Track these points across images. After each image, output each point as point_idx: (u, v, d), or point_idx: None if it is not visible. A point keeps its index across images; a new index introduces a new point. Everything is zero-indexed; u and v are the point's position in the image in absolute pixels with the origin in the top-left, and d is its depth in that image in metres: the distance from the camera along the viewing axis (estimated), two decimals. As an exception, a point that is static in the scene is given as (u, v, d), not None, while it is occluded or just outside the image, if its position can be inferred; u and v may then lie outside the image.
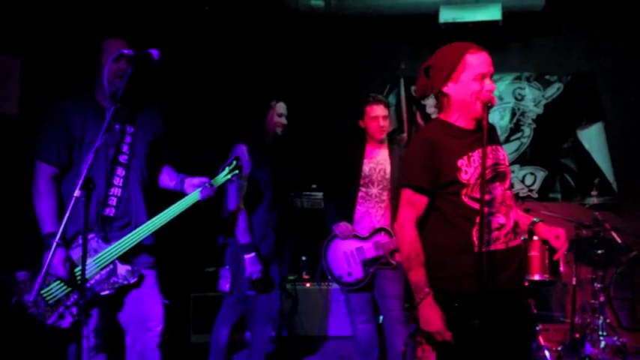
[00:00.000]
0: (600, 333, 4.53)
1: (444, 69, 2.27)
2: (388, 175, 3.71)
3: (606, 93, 5.67)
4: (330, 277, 3.85)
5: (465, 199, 2.22)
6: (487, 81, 2.21)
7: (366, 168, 3.73)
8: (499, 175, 2.27)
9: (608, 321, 4.67)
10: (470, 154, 2.23)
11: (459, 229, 2.23)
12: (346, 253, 3.73)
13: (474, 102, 2.20)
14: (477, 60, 2.22)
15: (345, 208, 3.76)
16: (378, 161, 3.75)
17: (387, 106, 3.74)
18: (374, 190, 3.72)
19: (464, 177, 2.22)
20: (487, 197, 2.19)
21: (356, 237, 3.71)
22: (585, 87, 5.70)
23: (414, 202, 2.27)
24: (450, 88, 2.27)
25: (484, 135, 2.09)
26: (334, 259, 3.78)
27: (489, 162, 2.21)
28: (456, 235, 2.24)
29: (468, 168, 2.22)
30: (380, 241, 3.65)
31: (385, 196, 3.70)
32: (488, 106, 2.16)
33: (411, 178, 2.28)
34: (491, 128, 2.31)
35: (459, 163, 2.22)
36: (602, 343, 4.47)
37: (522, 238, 2.33)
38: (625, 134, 5.60)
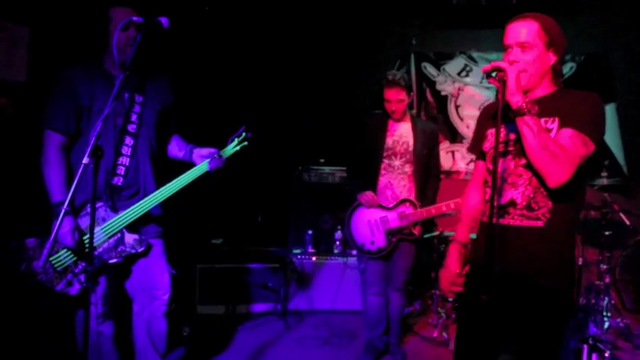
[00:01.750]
0: (604, 314, 4.54)
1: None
2: (411, 148, 3.78)
3: (619, 74, 5.60)
4: (352, 244, 3.97)
5: (484, 169, 2.36)
6: (513, 52, 2.15)
7: (389, 141, 3.80)
8: (511, 152, 2.19)
9: (612, 302, 4.68)
10: (502, 125, 2.16)
11: (481, 197, 2.42)
12: (370, 222, 3.83)
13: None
14: (506, 32, 2.19)
15: (368, 179, 3.84)
16: (402, 134, 3.81)
17: (404, 86, 3.69)
18: (397, 162, 3.79)
19: (486, 145, 2.30)
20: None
21: (381, 207, 3.80)
22: (598, 67, 5.63)
23: (475, 166, 2.49)
24: None
25: (498, 111, 1.99)
26: (358, 227, 3.88)
27: (501, 138, 2.13)
28: (480, 201, 2.42)
29: (492, 138, 2.21)
30: (405, 211, 3.73)
31: (408, 168, 3.79)
32: (500, 79, 2.03)
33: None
34: (550, 98, 2.17)
35: (488, 132, 2.30)
36: (606, 324, 4.49)
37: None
38: (636, 116, 5.53)
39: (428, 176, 3.86)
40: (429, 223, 3.99)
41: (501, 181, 2.18)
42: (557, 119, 2.10)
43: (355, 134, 4.08)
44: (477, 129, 2.47)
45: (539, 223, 2.13)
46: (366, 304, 3.98)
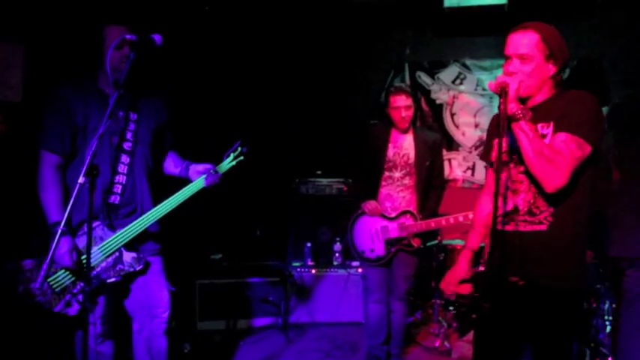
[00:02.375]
0: (606, 318, 4.52)
1: None
2: (412, 161, 3.81)
3: (612, 78, 5.62)
4: (352, 251, 4.01)
5: (490, 177, 2.44)
6: (512, 63, 2.19)
7: (390, 153, 3.85)
8: (513, 160, 2.24)
9: (614, 306, 4.66)
10: (510, 133, 2.18)
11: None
12: (371, 231, 3.89)
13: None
14: (506, 43, 2.22)
15: (370, 189, 3.89)
16: (403, 146, 3.85)
17: (410, 93, 3.77)
18: (397, 174, 3.84)
19: (493, 155, 2.37)
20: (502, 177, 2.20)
21: (383, 216, 3.85)
22: (592, 71, 5.64)
23: (487, 174, 2.57)
24: None
25: (501, 122, 2.02)
26: (359, 235, 3.94)
27: (504, 148, 2.16)
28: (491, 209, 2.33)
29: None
30: (405, 222, 3.79)
31: (408, 180, 3.83)
32: (501, 90, 2.08)
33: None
34: (546, 104, 2.21)
35: (494, 142, 2.35)
36: (608, 328, 4.47)
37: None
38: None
39: (432, 186, 3.89)
40: (431, 232, 4.01)
41: (506, 189, 2.23)
42: (552, 124, 2.13)
43: (357, 143, 4.13)
44: (487, 139, 2.56)
45: (543, 227, 2.16)
46: (366, 311, 4.00)
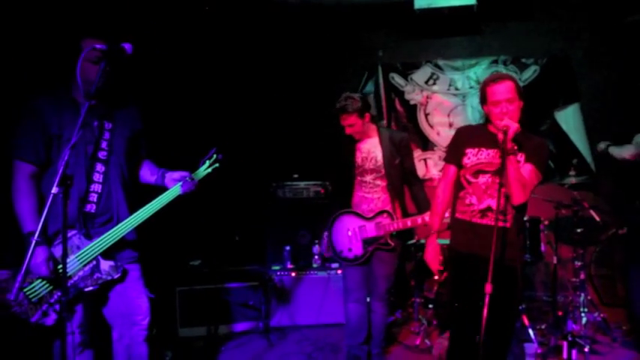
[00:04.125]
0: (582, 310, 4.62)
1: (480, 96, 3.04)
2: (380, 162, 3.88)
3: (582, 74, 5.74)
4: (331, 252, 4.06)
5: (462, 177, 3.06)
6: (501, 106, 2.87)
7: (359, 159, 3.94)
8: (490, 172, 2.95)
9: (589, 298, 4.76)
10: (483, 149, 2.99)
11: (450, 195, 3.19)
12: (349, 230, 3.94)
13: (495, 122, 2.89)
14: (491, 91, 2.91)
15: (345, 194, 4.03)
16: (369, 150, 3.92)
17: (351, 111, 3.79)
18: (368, 178, 3.93)
19: (466, 161, 3.03)
20: (472, 180, 2.99)
21: (360, 216, 3.91)
22: (561, 69, 5.76)
23: (444, 170, 3.23)
24: (484, 108, 3.02)
25: (504, 154, 2.77)
26: (338, 234, 4.00)
27: (483, 160, 2.97)
28: (450, 198, 3.20)
29: (473, 157, 3.01)
30: (382, 222, 3.85)
31: (380, 181, 3.91)
32: (504, 131, 2.74)
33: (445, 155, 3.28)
34: (522, 141, 2.90)
35: (467, 150, 3.04)
36: (584, 320, 4.57)
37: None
38: (600, 115, 5.67)
39: (410, 184, 3.97)
40: (408, 232, 4.06)
41: (481, 192, 2.97)
42: (523, 155, 2.92)
43: (333, 152, 4.20)
44: (455, 144, 3.15)
45: (508, 224, 2.95)
46: (346, 311, 4.03)
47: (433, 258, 3.22)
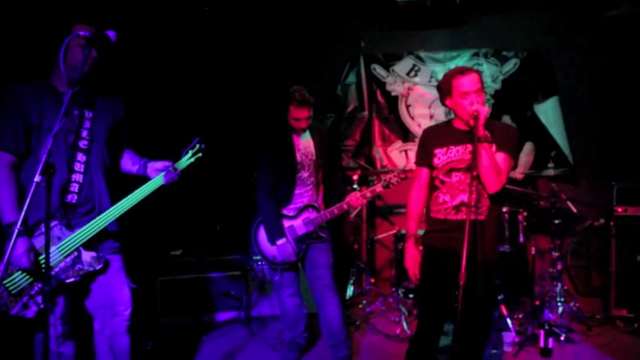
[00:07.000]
0: (558, 299, 4.71)
1: (443, 90, 2.99)
2: (315, 159, 3.91)
3: (560, 67, 5.81)
4: (262, 259, 4.00)
5: (435, 179, 3.06)
6: (470, 97, 2.84)
7: (298, 156, 3.85)
8: (462, 170, 2.94)
9: (565, 288, 4.86)
10: (451, 146, 2.98)
11: (425, 197, 3.18)
12: None
13: (463, 113, 2.88)
14: (459, 83, 2.87)
15: (287, 191, 3.87)
16: (306, 146, 3.90)
17: (312, 105, 3.74)
18: (305, 174, 3.88)
19: (436, 161, 3.03)
20: (446, 180, 2.99)
21: (285, 217, 3.86)
22: (541, 62, 5.82)
23: (415, 173, 3.22)
24: (449, 103, 2.99)
25: (474, 142, 2.72)
26: (265, 242, 3.89)
27: (454, 157, 2.97)
28: (424, 200, 3.20)
29: (442, 156, 3.00)
30: (309, 217, 3.83)
31: (313, 177, 3.91)
32: (475, 116, 2.73)
33: (415, 159, 3.25)
34: (490, 129, 2.81)
35: (436, 151, 3.03)
36: (560, 309, 4.66)
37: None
38: (579, 107, 5.75)
39: (331, 173, 4.00)
40: (386, 223, 4.07)
41: (454, 189, 2.97)
42: (494, 145, 2.86)
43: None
44: (423, 146, 3.16)
45: (482, 217, 2.94)
46: (284, 306, 4.05)
47: (413, 264, 3.17)
